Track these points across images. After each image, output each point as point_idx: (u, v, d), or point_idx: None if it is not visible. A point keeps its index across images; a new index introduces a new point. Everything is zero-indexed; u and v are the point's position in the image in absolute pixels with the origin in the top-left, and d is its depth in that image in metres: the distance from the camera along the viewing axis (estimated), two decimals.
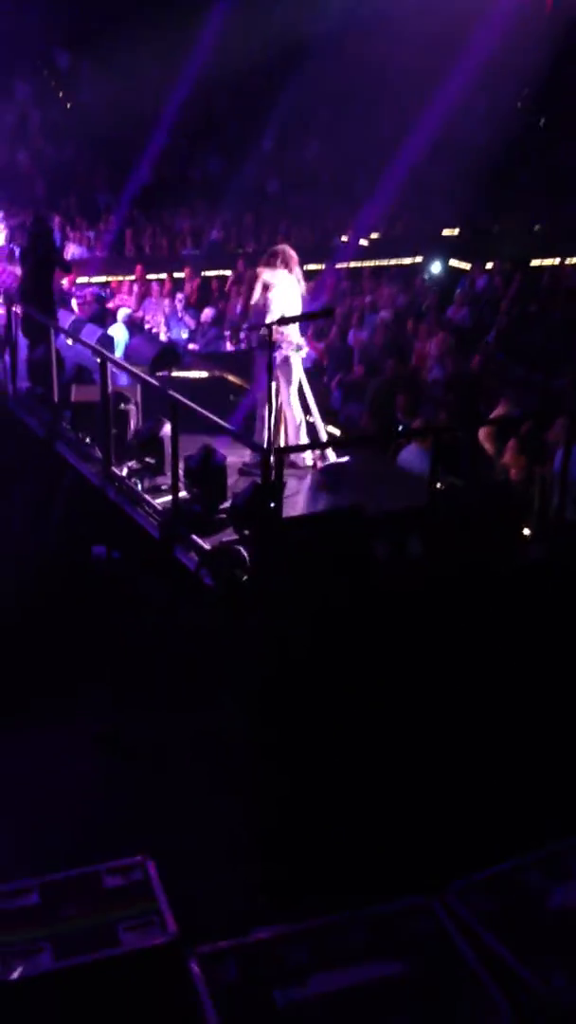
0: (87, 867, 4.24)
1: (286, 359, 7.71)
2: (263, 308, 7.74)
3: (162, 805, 5.77)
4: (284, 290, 7.78)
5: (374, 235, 19.48)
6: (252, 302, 8.00)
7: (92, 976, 3.81)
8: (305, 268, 16.56)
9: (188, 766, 6.04)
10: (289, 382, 7.81)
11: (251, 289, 7.96)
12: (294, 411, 7.85)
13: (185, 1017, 3.68)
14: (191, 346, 14.52)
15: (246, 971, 3.76)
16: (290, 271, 7.86)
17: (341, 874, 4.99)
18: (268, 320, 7.14)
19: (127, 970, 3.85)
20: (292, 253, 7.95)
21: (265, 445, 6.59)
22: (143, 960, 3.85)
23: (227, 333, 14.58)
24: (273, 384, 6.86)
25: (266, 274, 7.85)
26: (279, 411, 7.71)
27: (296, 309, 7.79)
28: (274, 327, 6.79)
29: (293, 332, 7.74)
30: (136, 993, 3.85)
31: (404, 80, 19.54)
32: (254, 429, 7.76)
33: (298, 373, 7.88)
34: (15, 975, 3.74)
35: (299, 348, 7.86)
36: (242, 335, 14.06)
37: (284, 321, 7.22)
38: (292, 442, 7.73)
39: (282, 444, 7.63)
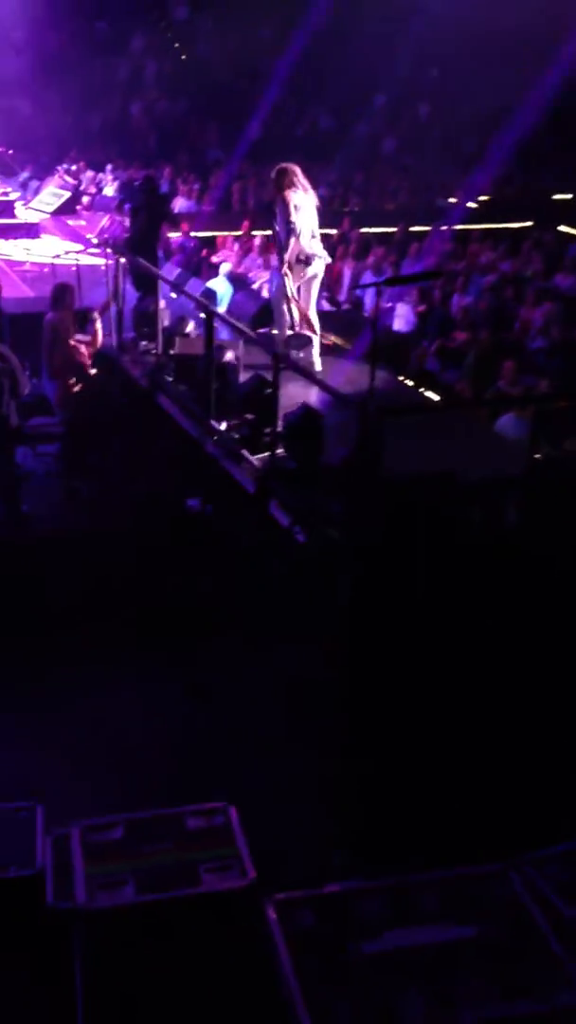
0: (171, 808, 4.35)
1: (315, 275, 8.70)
2: (297, 230, 8.41)
3: (246, 753, 5.88)
4: (308, 210, 8.52)
5: (483, 198, 19.08)
6: (290, 225, 8.44)
7: (172, 912, 3.93)
8: (411, 229, 16.43)
9: (273, 717, 6.14)
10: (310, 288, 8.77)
11: (285, 212, 8.45)
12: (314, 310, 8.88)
13: (259, 961, 3.77)
14: None
15: (321, 921, 3.82)
16: (305, 189, 8.53)
17: (418, 836, 5.03)
18: (298, 239, 8.31)
19: (206, 909, 3.95)
20: (296, 168, 8.57)
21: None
22: (222, 901, 3.96)
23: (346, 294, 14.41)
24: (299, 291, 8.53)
25: (294, 197, 8.41)
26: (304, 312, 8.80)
27: (315, 223, 8.61)
28: (302, 245, 8.26)
29: (319, 249, 8.67)
30: (213, 933, 3.96)
31: (519, 42, 18.99)
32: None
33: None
34: (99, 904, 3.88)
35: (308, 262, 8.61)
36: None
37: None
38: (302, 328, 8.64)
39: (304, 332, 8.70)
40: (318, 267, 8.67)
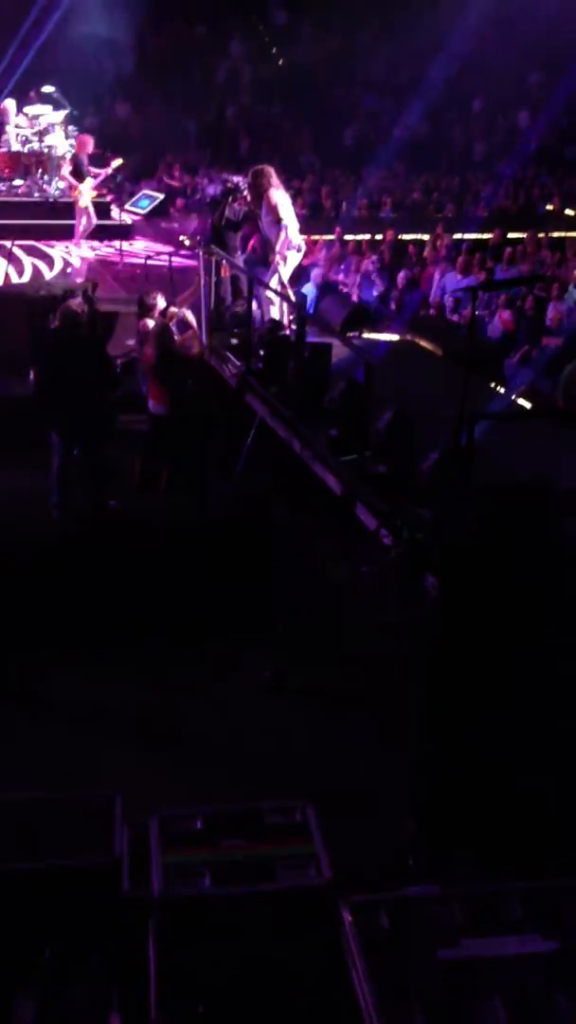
0: (249, 803, 4.35)
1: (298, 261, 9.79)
2: (286, 224, 9.29)
3: (323, 754, 5.86)
4: (289, 204, 9.52)
5: None
6: (280, 220, 9.30)
7: (247, 906, 3.92)
8: (507, 236, 16.24)
9: (352, 719, 6.10)
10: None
11: (272, 210, 9.27)
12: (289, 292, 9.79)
13: (333, 961, 3.74)
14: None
15: (397, 925, 3.77)
16: (282, 187, 9.55)
17: (495, 846, 4.94)
18: (284, 232, 9.18)
19: (281, 906, 3.93)
20: (271, 168, 9.54)
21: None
22: (298, 898, 3.93)
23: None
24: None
25: (277, 195, 9.28)
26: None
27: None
28: (284, 232, 9.12)
29: (296, 237, 9.49)
30: (287, 929, 3.93)
31: None
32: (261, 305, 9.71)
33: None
34: (175, 894, 3.89)
35: (299, 249, 9.70)
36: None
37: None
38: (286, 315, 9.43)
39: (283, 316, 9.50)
40: (301, 255, 9.90)
